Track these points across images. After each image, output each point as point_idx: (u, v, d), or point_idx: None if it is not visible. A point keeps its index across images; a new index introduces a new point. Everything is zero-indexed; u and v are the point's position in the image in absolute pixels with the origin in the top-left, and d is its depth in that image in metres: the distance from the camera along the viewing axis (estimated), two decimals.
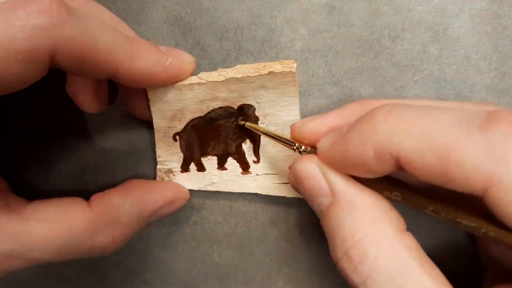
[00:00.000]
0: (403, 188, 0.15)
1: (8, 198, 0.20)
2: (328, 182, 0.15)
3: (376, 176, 0.15)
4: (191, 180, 0.23)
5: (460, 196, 0.13)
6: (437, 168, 0.13)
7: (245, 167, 0.22)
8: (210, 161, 0.23)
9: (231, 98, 0.21)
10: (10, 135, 0.27)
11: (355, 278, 0.14)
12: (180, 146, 0.23)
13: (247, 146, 0.22)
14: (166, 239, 0.26)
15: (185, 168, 0.23)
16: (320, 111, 0.22)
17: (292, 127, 0.18)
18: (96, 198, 0.21)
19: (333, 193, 0.15)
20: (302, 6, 0.21)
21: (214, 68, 0.23)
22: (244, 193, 0.23)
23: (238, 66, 0.20)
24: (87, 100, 0.21)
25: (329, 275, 0.24)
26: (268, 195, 0.23)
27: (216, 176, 0.23)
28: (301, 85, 0.22)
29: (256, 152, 0.22)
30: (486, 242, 0.18)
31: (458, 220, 0.14)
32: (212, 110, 0.22)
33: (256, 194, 0.23)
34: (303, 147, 0.18)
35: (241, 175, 0.22)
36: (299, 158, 0.17)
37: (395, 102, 0.15)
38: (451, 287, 0.14)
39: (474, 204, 0.13)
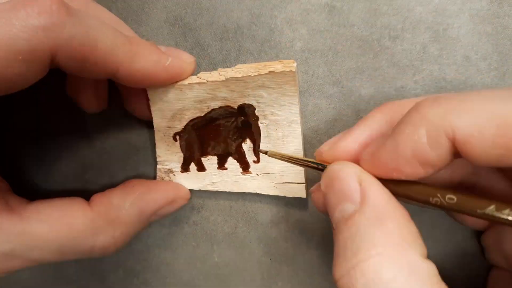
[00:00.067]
0: (455, 190, 0.14)
1: (9, 198, 0.20)
2: (363, 189, 0.14)
3: (431, 170, 0.14)
4: (191, 180, 0.23)
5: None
6: (496, 138, 0.12)
7: (245, 167, 0.22)
8: (210, 161, 0.23)
9: (231, 98, 0.21)
10: (10, 135, 0.27)
11: None
12: (180, 146, 0.23)
13: (247, 146, 0.22)
14: (166, 239, 0.26)
15: (185, 168, 0.23)
16: (320, 111, 0.22)
17: (318, 152, 0.17)
18: (97, 198, 0.21)
19: (363, 201, 0.14)
20: (302, 6, 0.21)
21: (214, 68, 0.23)
22: (244, 193, 0.23)
23: (238, 66, 0.20)
24: (87, 100, 0.21)
25: (329, 275, 0.24)
26: (268, 195, 0.23)
27: (216, 176, 0.23)
28: (301, 85, 0.22)
29: (256, 152, 0.22)
30: (499, 241, 0.17)
31: None
32: (212, 109, 0.22)
33: (256, 194, 0.23)
34: None
35: (241, 175, 0.22)
36: (339, 161, 0.16)
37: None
38: None
39: None
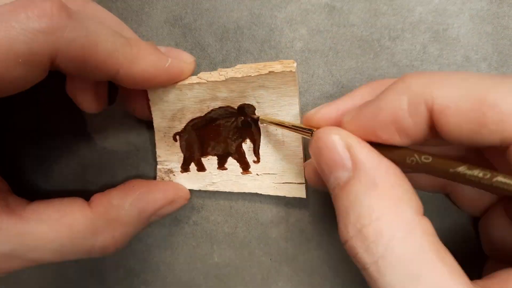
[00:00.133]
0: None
1: (9, 198, 0.20)
2: (352, 155, 0.15)
3: (406, 140, 0.14)
4: (191, 180, 0.23)
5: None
6: (471, 113, 0.12)
7: (245, 167, 0.22)
8: (210, 161, 0.23)
9: (231, 98, 0.21)
10: (10, 135, 0.27)
11: (366, 257, 0.13)
12: (180, 146, 0.23)
13: (247, 146, 0.22)
14: (166, 239, 0.26)
15: (185, 168, 0.23)
16: None
17: (305, 116, 0.18)
18: (97, 198, 0.21)
19: (354, 167, 0.15)
20: (302, 6, 0.21)
21: (214, 68, 0.23)
22: (244, 193, 0.23)
23: (238, 66, 0.20)
24: (87, 100, 0.21)
25: (329, 275, 0.24)
26: (268, 195, 0.23)
27: (216, 176, 0.23)
28: (301, 85, 0.22)
29: (256, 152, 0.22)
30: (490, 229, 0.18)
31: (495, 178, 0.13)
32: (212, 110, 0.22)
33: (256, 194, 0.23)
34: None
35: (241, 175, 0.22)
36: (323, 128, 0.16)
37: None
38: (464, 275, 0.13)
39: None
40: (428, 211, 0.21)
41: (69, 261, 0.20)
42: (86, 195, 0.21)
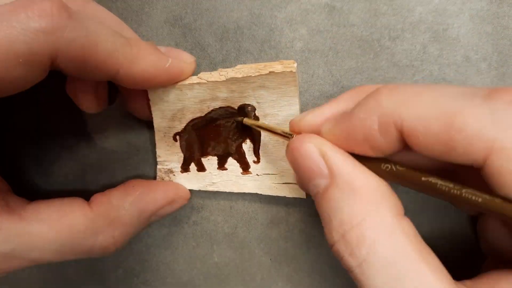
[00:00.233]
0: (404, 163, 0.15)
1: (9, 198, 0.20)
2: (327, 162, 0.15)
3: (380, 153, 0.15)
4: (191, 180, 0.23)
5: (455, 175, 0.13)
6: (439, 135, 0.12)
7: (245, 167, 0.22)
8: (210, 161, 0.23)
9: (232, 98, 0.21)
10: (10, 135, 0.27)
11: (351, 261, 0.14)
12: (180, 146, 0.23)
13: (247, 146, 0.22)
14: (166, 239, 0.26)
15: (185, 168, 0.23)
16: None
17: (291, 122, 0.18)
18: (97, 198, 0.21)
19: (331, 174, 0.15)
20: (302, 6, 0.21)
21: (214, 68, 0.23)
22: (244, 193, 0.23)
23: (239, 66, 0.20)
24: (87, 100, 0.21)
25: (329, 275, 0.24)
26: (268, 195, 0.23)
27: (216, 176, 0.23)
28: (301, 85, 0.22)
29: (256, 152, 0.22)
30: (486, 229, 0.18)
31: (464, 193, 0.13)
32: (212, 110, 0.22)
33: (256, 194, 0.23)
34: None
35: (241, 175, 0.22)
36: (296, 136, 0.17)
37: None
38: (447, 273, 0.14)
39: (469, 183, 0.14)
40: (427, 211, 0.21)
41: (69, 261, 0.20)
42: (86, 195, 0.21)
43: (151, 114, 0.23)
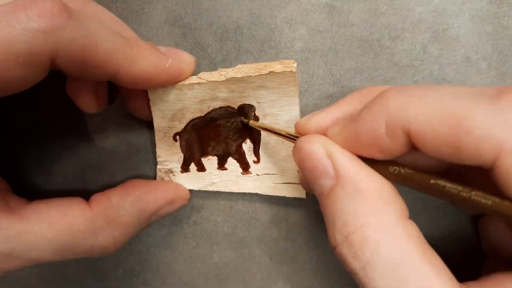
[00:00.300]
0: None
1: (8, 198, 0.20)
2: (333, 162, 0.15)
3: (388, 156, 0.15)
4: (191, 180, 0.23)
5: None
6: (447, 138, 0.12)
7: (245, 167, 0.22)
8: (210, 161, 0.23)
9: (232, 98, 0.21)
10: (10, 135, 0.27)
11: (354, 263, 0.14)
12: (180, 146, 0.23)
13: (247, 146, 0.22)
14: (166, 239, 0.26)
15: (185, 168, 0.23)
16: None
17: (296, 125, 0.18)
18: (96, 198, 0.21)
19: (337, 174, 0.15)
20: (302, 6, 0.21)
21: (214, 68, 0.23)
22: (244, 193, 0.23)
23: (239, 66, 0.20)
24: (87, 100, 0.21)
25: (329, 276, 0.24)
26: (268, 195, 0.23)
27: (216, 176, 0.23)
28: (301, 85, 0.22)
29: (256, 152, 0.22)
30: (488, 229, 0.18)
31: (473, 195, 0.13)
32: (212, 110, 0.22)
33: (256, 194, 0.23)
34: None
35: (241, 175, 0.22)
36: (304, 137, 0.17)
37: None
38: (451, 275, 0.13)
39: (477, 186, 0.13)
40: (429, 211, 0.21)
41: (69, 261, 0.20)
42: (86, 195, 0.21)
43: (151, 114, 0.23)
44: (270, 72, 0.19)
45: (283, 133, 0.19)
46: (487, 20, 0.19)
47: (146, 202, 0.21)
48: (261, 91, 0.20)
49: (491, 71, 0.20)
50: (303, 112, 0.22)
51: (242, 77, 0.20)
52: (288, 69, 0.19)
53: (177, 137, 0.23)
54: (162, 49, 0.20)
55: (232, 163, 0.23)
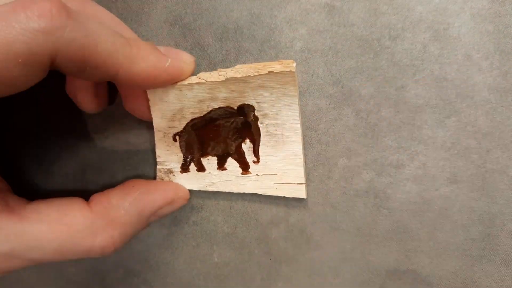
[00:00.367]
0: None
1: (8, 198, 0.20)
2: None
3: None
4: (191, 181, 0.23)
5: None
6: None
7: (245, 167, 0.22)
8: (210, 161, 0.23)
9: (231, 98, 0.21)
10: (10, 135, 0.27)
11: None
12: (180, 146, 0.23)
13: (246, 146, 0.22)
14: (166, 239, 0.26)
15: (185, 168, 0.23)
16: (320, 111, 0.22)
17: None
18: (96, 197, 0.21)
19: None
20: (302, 6, 0.21)
21: (214, 68, 0.23)
22: (244, 193, 0.23)
23: (238, 66, 0.20)
24: (86, 100, 0.21)
25: (329, 276, 0.23)
26: (268, 195, 0.23)
27: (216, 177, 0.23)
28: (300, 85, 0.22)
29: (255, 152, 0.22)
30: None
31: None
32: (211, 110, 0.22)
33: (256, 194, 0.23)
34: None
35: (241, 175, 0.22)
36: None
37: None
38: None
39: None
40: (426, 219, 0.21)
41: (69, 261, 0.20)
42: (86, 195, 0.21)
43: (150, 114, 0.23)
44: (269, 72, 0.19)
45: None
46: (488, 19, 0.19)
47: (145, 202, 0.21)
48: (260, 91, 0.20)
49: (493, 70, 0.20)
50: (303, 112, 0.22)
51: (241, 77, 0.20)
52: (287, 69, 0.19)
53: (177, 137, 0.23)
54: (162, 49, 0.20)
55: (231, 163, 0.22)
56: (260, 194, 0.23)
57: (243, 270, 0.25)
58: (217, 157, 0.23)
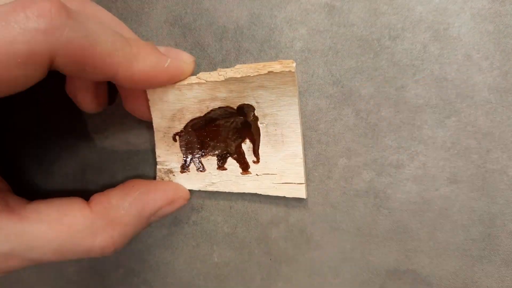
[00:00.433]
0: None
1: (8, 198, 0.20)
2: None
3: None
4: (191, 180, 0.23)
5: None
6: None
7: (244, 167, 0.22)
8: (209, 161, 0.23)
9: (231, 98, 0.21)
10: (10, 135, 0.27)
11: None
12: (180, 147, 0.23)
13: (246, 146, 0.22)
14: (166, 239, 0.26)
15: (185, 168, 0.23)
16: (319, 111, 0.22)
17: None
18: (96, 198, 0.21)
19: None
20: (302, 6, 0.21)
21: (213, 68, 0.23)
22: (244, 193, 0.23)
23: (238, 66, 0.20)
24: (86, 100, 0.21)
25: (329, 276, 0.23)
26: (268, 195, 0.23)
27: (216, 177, 0.23)
28: (300, 85, 0.22)
29: (255, 152, 0.22)
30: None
31: None
32: (211, 110, 0.22)
33: (256, 195, 0.23)
34: None
35: (241, 175, 0.22)
36: None
37: None
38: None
39: None
40: (426, 219, 0.21)
41: (69, 261, 0.20)
42: (86, 195, 0.21)
43: (150, 114, 0.23)
44: (269, 72, 0.19)
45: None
46: (488, 18, 0.19)
47: (145, 202, 0.21)
48: (260, 91, 0.20)
49: (493, 70, 0.20)
50: (303, 112, 0.22)
51: (241, 77, 0.20)
52: (287, 69, 0.19)
53: (177, 137, 0.23)
54: (162, 49, 0.20)
55: (231, 163, 0.22)
56: (260, 194, 0.23)
57: (243, 270, 0.25)
58: (217, 157, 0.23)
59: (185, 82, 0.21)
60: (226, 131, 0.22)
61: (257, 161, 0.22)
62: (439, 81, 0.20)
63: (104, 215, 0.20)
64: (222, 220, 0.25)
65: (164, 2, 0.23)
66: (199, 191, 0.24)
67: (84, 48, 0.16)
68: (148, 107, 0.23)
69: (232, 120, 0.22)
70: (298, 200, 0.23)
